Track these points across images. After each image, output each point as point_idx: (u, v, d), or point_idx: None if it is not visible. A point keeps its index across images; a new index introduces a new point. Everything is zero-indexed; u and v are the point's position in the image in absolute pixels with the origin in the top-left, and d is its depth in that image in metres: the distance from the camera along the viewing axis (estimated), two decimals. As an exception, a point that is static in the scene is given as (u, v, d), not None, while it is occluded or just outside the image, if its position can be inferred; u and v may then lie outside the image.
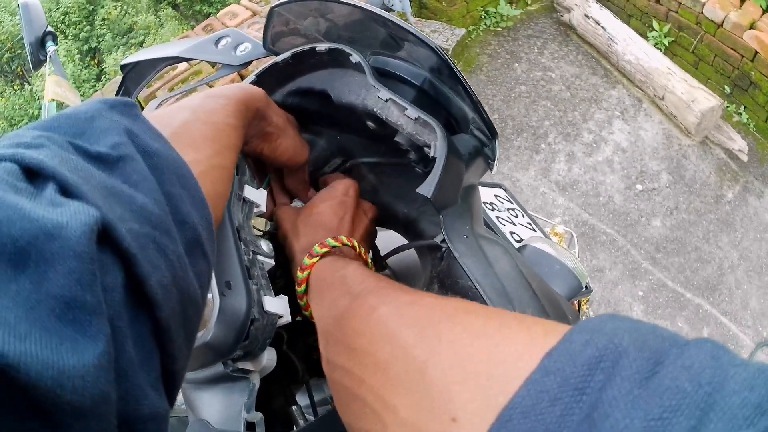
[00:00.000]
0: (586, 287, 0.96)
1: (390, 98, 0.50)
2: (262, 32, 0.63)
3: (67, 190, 0.23)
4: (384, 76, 0.56)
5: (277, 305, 0.45)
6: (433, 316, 0.30)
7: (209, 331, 0.39)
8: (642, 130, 2.86)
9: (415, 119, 0.49)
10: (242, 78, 2.26)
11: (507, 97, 2.95)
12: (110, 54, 4.62)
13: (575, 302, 1.17)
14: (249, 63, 0.68)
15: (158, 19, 4.76)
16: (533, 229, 1.16)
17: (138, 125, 0.31)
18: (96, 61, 4.91)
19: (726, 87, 2.96)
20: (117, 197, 0.25)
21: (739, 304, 2.41)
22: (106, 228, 0.22)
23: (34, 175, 0.23)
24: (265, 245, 0.49)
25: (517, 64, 3.05)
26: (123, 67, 0.77)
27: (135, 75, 0.78)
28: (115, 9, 4.95)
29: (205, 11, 4.57)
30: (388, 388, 0.28)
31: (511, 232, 1.06)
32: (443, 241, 0.49)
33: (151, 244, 0.25)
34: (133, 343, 0.22)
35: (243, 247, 0.44)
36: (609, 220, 2.60)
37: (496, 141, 0.55)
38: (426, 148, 0.49)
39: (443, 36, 3.01)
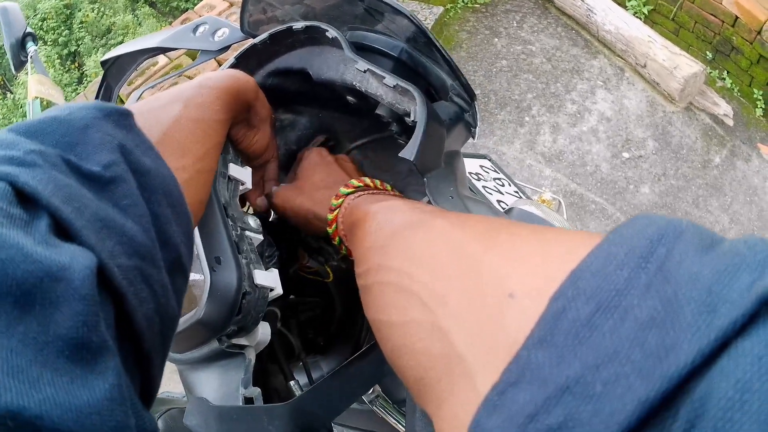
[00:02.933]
0: None
1: (368, 68, 0.50)
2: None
3: (61, 226, 0.23)
4: (362, 50, 0.56)
5: (268, 278, 0.45)
6: (490, 223, 0.30)
7: (201, 308, 0.40)
8: (625, 99, 2.83)
9: (394, 87, 0.49)
10: (220, 64, 2.22)
11: (488, 72, 2.92)
12: (90, 56, 4.59)
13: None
14: (228, 47, 0.69)
15: (136, 18, 4.73)
16: (520, 197, 1.16)
17: (131, 138, 0.31)
18: (76, 64, 4.88)
19: (708, 53, 2.94)
20: (108, 229, 0.25)
21: None
22: (101, 269, 0.23)
23: (27, 200, 0.23)
24: (253, 221, 0.49)
25: (496, 39, 3.02)
26: (103, 63, 0.78)
27: (116, 70, 0.78)
28: (93, 11, 4.92)
29: (183, 6, 4.54)
30: (440, 280, 0.27)
31: (498, 201, 1.07)
32: (428, 203, 0.48)
33: (138, 277, 0.26)
34: None
35: (231, 223, 0.44)
36: (597, 188, 2.57)
37: (476, 104, 0.55)
38: (407, 117, 0.49)
39: (421, 15, 2.98)
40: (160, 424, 0.70)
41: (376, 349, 0.48)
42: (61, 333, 0.20)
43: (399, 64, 0.57)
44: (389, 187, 0.52)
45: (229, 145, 0.51)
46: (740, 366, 0.15)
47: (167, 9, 4.75)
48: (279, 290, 0.46)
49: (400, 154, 0.46)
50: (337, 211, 0.49)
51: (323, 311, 0.65)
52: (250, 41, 0.58)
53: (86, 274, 0.21)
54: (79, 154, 0.28)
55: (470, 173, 1.12)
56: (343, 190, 0.49)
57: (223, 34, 0.70)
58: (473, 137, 0.57)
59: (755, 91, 2.82)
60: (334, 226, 0.49)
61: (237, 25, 0.66)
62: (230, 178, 0.49)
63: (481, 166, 1.19)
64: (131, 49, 0.75)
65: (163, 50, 0.73)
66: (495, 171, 1.21)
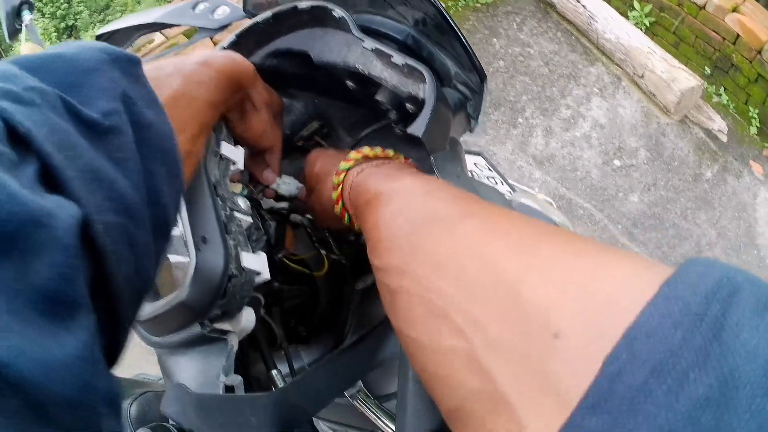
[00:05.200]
0: None
1: (375, 47, 0.49)
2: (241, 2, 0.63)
3: (50, 173, 0.23)
4: (366, 33, 0.54)
5: (256, 261, 0.43)
6: (526, 230, 0.28)
7: (185, 289, 0.38)
8: (620, 108, 2.81)
9: (402, 65, 0.48)
10: (215, 43, 2.17)
11: (485, 71, 2.89)
12: (87, 32, 4.56)
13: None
14: (227, 26, 0.67)
15: (135, -5, 4.70)
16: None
17: (137, 88, 0.31)
18: (73, 38, 4.83)
19: (706, 68, 2.93)
20: (99, 182, 0.25)
21: None
22: (86, 223, 0.23)
23: (19, 141, 0.22)
24: (243, 202, 0.47)
25: (495, 40, 3.00)
26: (98, 38, 0.76)
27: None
28: (93, -14, 4.88)
29: (183, -12, 4.52)
30: (476, 304, 0.25)
31: None
32: None
33: (123, 236, 0.25)
34: None
35: (220, 202, 0.43)
36: (586, 194, 2.55)
37: (485, 85, 0.54)
38: (409, 104, 0.49)
39: (422, 9, 2.96)
40: (134, 407, 0.67)
41: (363, 343, 0.48)
42: (37, 284, 0.19)
43: (404, 48, 0.55)
44: (391, 153, 0.51)
45: (222, 125, 0.50)
46: None
47: (167, -12, 4.71)
48: (266, 275, 0.44)
49: (408, 130, 0.45)
50: (340, 188, 0.48)
51: (307, 300, 0.64)
52: (252, 20, 0.56)
53: (70, 224, 0.21)
54: (80, 97, 0.27)
55: None
56: (343, 164, 0.48)
57: (224, 12, 0.68)
58: (471, 130, 0.57)
59: (751, 109, 2.82)
60: (340, 203, 0.48)
61: (238, 4, 0.65)
62: (222, 157, 0.48)
63: (475, 164, 1.17)
64: (128, 24, 0.73)
65: (160, 26, 0.71)
66: (488, 169, 1.18)
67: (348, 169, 0.48)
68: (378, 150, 0.50)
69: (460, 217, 0.31)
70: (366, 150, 0.49)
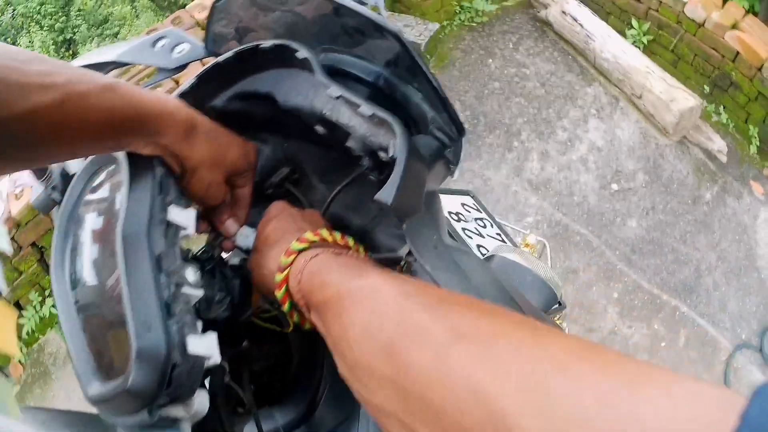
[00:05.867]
0: (559, 303, 0.92)
1: (341, 95, 0.46)
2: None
3: None
4: (336, 75, 0.52)
5: (204, 346, 0.40)
6: (529, 356, 0.24)
7: (127, 376, 0.37)
8: (618, 129, 2.79)
9: (370, 116, 0.45)
10: (177, 83, 2.14)
11: (480, 93, 2.87)
12: (84, 45, 4.58)
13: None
14: (185, 66, 0.63)
15: (134, 10, 4.71)
16: (502, 240, 1.11)
17: None
18: (71, 52, 4.85)
19: (705, 87, 2.90)
20: None
21: (717, 305, 2.38)
22: None
23: None
24: (192, 274, 0.44)
25: (491, 60, 2.97)
26: None
27: None
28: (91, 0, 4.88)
29: (181, 2, 4.49)
30: None
31: (479, 245, 1.01)
32: (409, 254, 0.43)
33: None
34: None
35: (164, 279, 0.40)
36: (583, 220, 2.53)
37: (463, 140, 0.50)
38: (381, 152, 0.45)
39: (416, 30, 2.93)
40: None
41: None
42: None
43: (376, 91, 0.53)
44: (351, 242, 0.47)
45: (169, 184, 0.46)
46: None
47: (165, 3, 4.70)
48: (216, 359, 0.41)
49: (376, 197, 0.41)
50: (287, 270, 0.42)
51: (279, 358, 0.61)
52: (213, 60, 0.53)
53: None
54: None
55: (450, 213, 1.07)
56: (295, 245, 0.43)
57: (182, 50, 0.64)
58: (452, 175, 0.53)
59: (751, 127, 2.79)
60: (284, 288, 0.42)
61: (200, 42, 0.62)
62: (169, 224, 0.44)
63: (463, 204, 1.14)
64: (93, 61, 0.70)
65: (121, 65, 0.68)
66: (477, 210, 1.15)
67: (300, 251, 0.43)
68: (338, 236, 0.46)
69: (450, 340, 0.27)
70: (324, 233, 0.45)
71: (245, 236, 0.53)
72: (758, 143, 2.78)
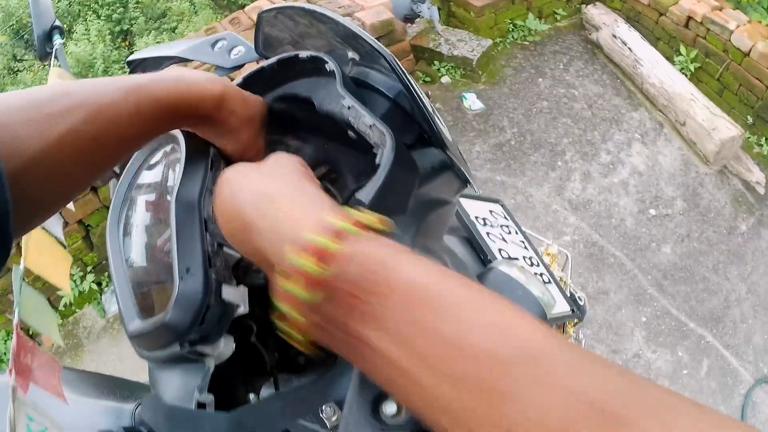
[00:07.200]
0: (573, 311, 0.96)
1: (351, 105, 0.50)
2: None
3: None
4: (362, 87, 0.57)
5: (236, 294, 0.46)
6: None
7: (167, 312, 0.42)
8: (660, 155, 2.85)
9: (370, 126, 0.49)
10: (231, 81, 2.23)
11: (528, 111, 2.96)
12: (141, 37, 4.69)
13: (561, 324, 1.15)
14: (241, 66, 0.70)
15: (192, 6, 4.81)
16: (525, 248, 1.12)
17: None
18: (127, 42, 4.99)
19: (749, 117, 2.94)
20: None
21: (742, 338, 2.38)
22: None
23: None
24: None
25: (541, 79, 3.05)
26: (129, 63, 0.80)
27: (140, 72, 0.80)
28: (150, -7, 5.02)
29: (240, 2, 4.61)
30: None
31: (500, 249, 1.03)
32: None
33: None
34: None
35: (209, 237, 0.46)
36: (619, 242, 2.61)
37: (447, 152, 0.54)
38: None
39: (469, 46, 3.03)
40: (139, 410, 0.71)
41: (324, 375, 0.46)
42: None
43: (396, 106, 0.56)
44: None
45: (220, 162, 0.51)
46: None
47: (224, 2, 4.82)
48: (245, 308, 0.46)
49: (356, 195, 0.45)
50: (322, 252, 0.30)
51: None
52: (258, 65, 0.59)
53: None
54: None
55: (477, 217, 1.09)
56: (341, 223, 0.31)
57: (239, 52, 0.70)
58: (473, 186, 0.57)
59: (792, 161, 2.82)
60: (312, 291, 0.30)
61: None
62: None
63: (491, 211, 1.15)
64: (154, 55, 0.77)
65: (182, 60, 0.75)
66: (504, 218, 1.17)
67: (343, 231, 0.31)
68: (376, 219, 0.33)
69: (557, 386, 0.23)
70: (357, 214, 0.33)
71: None
72: (798, 177, 2.83)
